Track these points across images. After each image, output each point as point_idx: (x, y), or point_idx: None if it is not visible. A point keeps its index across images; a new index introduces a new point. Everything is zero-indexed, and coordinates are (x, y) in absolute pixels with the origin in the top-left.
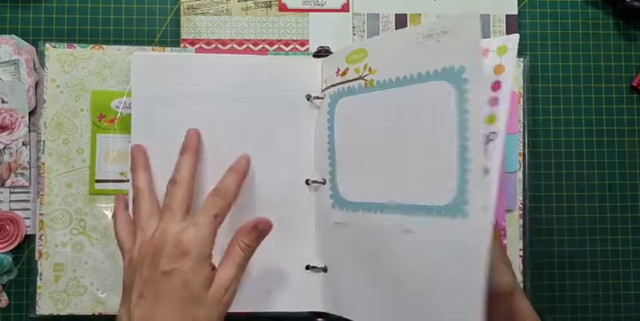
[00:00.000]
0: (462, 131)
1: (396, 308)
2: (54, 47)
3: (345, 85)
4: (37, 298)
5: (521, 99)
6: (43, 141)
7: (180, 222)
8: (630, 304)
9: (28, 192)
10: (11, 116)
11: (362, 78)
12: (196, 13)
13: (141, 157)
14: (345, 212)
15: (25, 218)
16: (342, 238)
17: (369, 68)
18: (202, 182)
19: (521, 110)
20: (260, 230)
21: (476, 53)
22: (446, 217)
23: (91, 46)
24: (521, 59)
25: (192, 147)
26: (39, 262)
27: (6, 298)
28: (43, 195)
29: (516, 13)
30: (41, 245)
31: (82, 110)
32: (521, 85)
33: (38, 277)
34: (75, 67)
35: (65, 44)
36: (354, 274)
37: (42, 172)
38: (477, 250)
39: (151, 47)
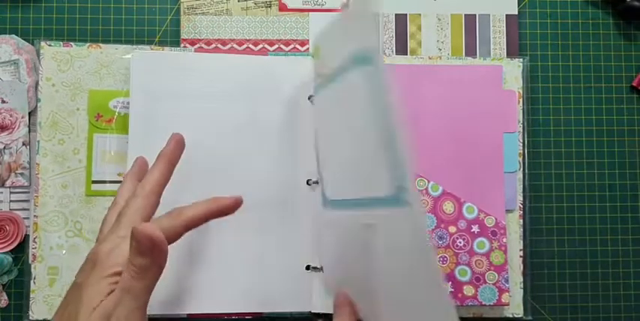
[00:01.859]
0: (378, 117)
1: (376, 305)
2: (49, 46)
3: (315, 83)
4: (31, 302)
5: (521, 99)
6: (38, 141)
7: (121, 235)
8: (630, 304)
9: (28, 192)
10: (11, 116)
11: (320, 75)
12: (196, 13)
13: (135, 167)
14: (330, 211)
15: (25, 218)
16: (328, 237)
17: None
18: (202, 183)
19: (521, 110)
20: (140, 242)
21: (373, 31)
22: (394, 207)
23: (88, 44)
24: (521, 59)
25: (164, 155)
26: (33, 266)
27: (6, 298)
28: (37, 196)
29: (516, 13)
30: (35, 248)
31: (78, 109)
32: (521, 85)
33: (32, 281)
34: (71, 66)
35: (61, 42)
36: (340, 274)
37: (36, 172)
38: (424, 235)
39: (150, 47)
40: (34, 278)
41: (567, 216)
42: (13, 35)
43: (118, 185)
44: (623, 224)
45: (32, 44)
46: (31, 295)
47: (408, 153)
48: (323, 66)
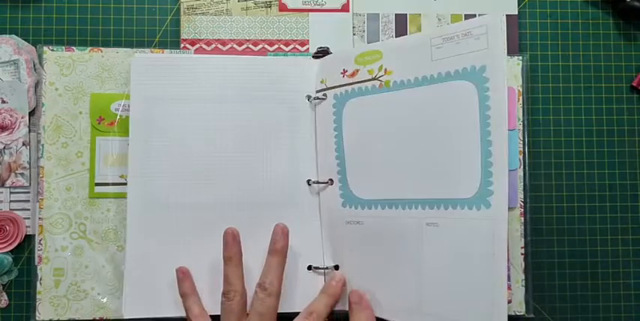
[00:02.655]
0: (484, 127)
1: (423, 300)
2: (52, 50)
3: (356, 86)
4: (37, 303)
5: (521, 97)
6: (42, 145)
7: None
8: (630, 304)
9: (28, 192)
10: (11, 116)
11: (376, 79)
12: (196, 13)
13: (234, 248)
14: (360, 210)
15: (25, 218)
16: (354, 235)
17: (385, 69)
18: (204, 184)
19: (521, 109)
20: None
21: (499, 53)
22: (470, 209)
23: (90, 48)
24: (520, 57)
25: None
26: (39, 267)
27: (6, 298)
28: (42, 199)
29: (516, 13)
30: (41, 250)
31: (80, 113)
32: (520, 83)
33: (38, 282)
34: (73, 70)
35: (64, 47)
36: (367, 271)
37: (41, 175)
38: (500, 238)
39: (150, 49)
40: (40, 279)
41: (567, 216)
42: (13, 35)
43: (120, 187)
44: (623, 224)
45: (33, 45)
46: (37, 297)
47: (503, 160)
48: (379, 71)
